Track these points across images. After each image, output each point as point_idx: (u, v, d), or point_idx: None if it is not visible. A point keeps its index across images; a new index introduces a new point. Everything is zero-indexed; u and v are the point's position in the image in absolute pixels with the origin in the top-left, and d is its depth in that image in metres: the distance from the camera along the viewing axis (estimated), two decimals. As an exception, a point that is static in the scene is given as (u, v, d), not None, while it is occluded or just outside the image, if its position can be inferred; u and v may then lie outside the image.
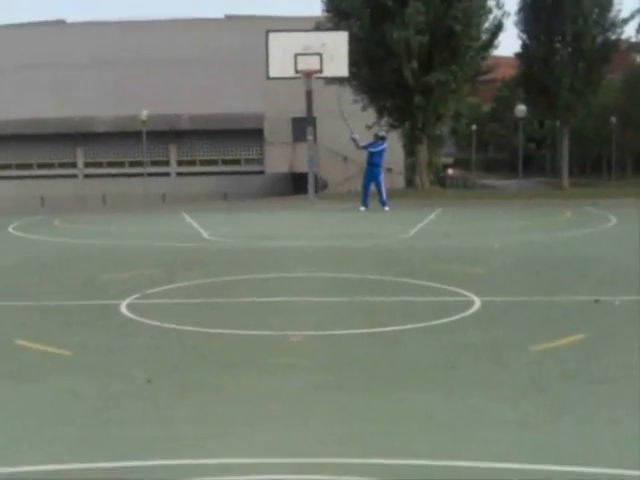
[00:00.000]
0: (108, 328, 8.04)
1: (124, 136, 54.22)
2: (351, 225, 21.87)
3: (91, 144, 56.27)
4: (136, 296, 9.60)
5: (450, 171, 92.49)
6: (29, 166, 56.12)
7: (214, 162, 56.30)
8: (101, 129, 55.18)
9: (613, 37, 44.23)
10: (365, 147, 26.83)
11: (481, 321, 8.11)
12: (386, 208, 25.90)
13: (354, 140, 26.99)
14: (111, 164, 56.20)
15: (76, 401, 5.49)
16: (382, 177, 26.80)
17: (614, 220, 21.24)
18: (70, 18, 58.82)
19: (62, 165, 56.48)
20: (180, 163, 56.73)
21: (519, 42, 45.18)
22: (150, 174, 50.82)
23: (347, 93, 39.80)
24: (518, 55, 46.12)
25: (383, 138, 27.36)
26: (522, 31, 44.54)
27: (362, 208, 26.14)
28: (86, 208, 35.86)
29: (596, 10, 43.08)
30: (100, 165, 56.36)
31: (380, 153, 26.54)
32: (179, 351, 6.94)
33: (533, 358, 6.51)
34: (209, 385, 5.85)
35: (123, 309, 8.81)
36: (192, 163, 56.53)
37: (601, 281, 10.89)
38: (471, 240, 16.70)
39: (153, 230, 21.14)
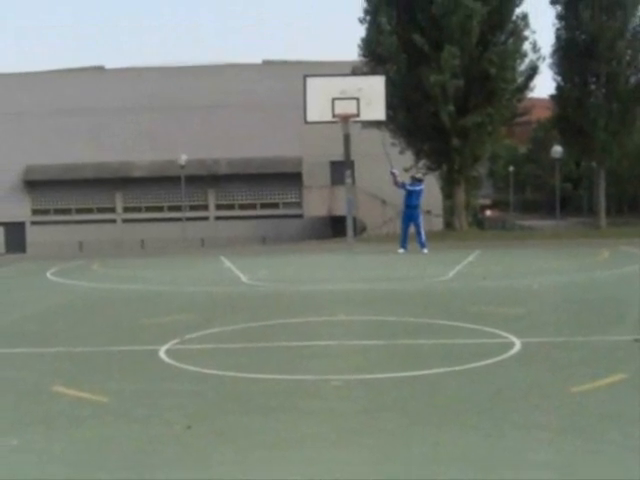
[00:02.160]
0: (146, 374, 8.07)
1: (162, 181, 54.69)
2: (390, 268, 21.84)
3: (129, 189, 56.73)
4: (175, 341, 9.64)
5: (488, 212, 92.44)
6: (68, 211, 56.67)
7: (252, 206, 56.52)
8: (139, 174, 55.66)
9: (646, 78, 44.25)
10: (403, 185, 26.80)
11: (521, 362, 8.07)
12: (425, 250, 25.87)
13: (393, 175, 26.97)
14: (149, 209, 56.58)
15: (113, 447, 5.51)
16: (421, 219, 26.80)
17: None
18: (109, 64, 59.33)
19: (101, 210, 56.96)
20: (218, 207, 56.98)
21: (554, 84, 45.25)
22: (189, 218, 51.14)
23: (385, 137, 40.01)
24: (553, 97, 46.20)
25: (420, 180, 27.38)
26: (556, 73, 44.71)
27: (401, 250, 26.12)
28: (125, 253, 36.09)
29: (629, 52, 43.18)
30: (138, 210, 56.77)
31: (417, 194, 26.52)
32: (218, 396, 6.95)
33: (573, 399, 6.46)
34: (248, 430, 5.85)
35: (162, 354, 8.83)
36: (231, 207, 56.77)
37: (637, 318, 10.81)
38: (510, 281, 16.64)
39: (192, 274, 21.24)
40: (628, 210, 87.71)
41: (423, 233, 26.57)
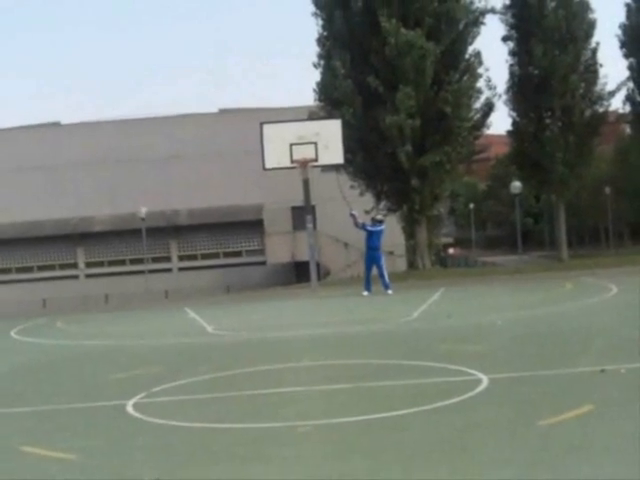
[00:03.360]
0: (114, 429, 8.00)
1: (123, 234, 54.50)
2: (355, 311, 21.84)
3: (91, 244, 56.46)
4: (141, 395, 9.57)
5: (451, 250, 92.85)
6: (29, 269, 56.28)
7: (215, 255, 56.41)
8: (100, 228, 55.45)
9: (601, 110, 44.79)
10: (363, 226, 26.81)
11: (489, 399, 8.09)
12: (389, 291, 25.86)
13: (353, 216, 27.00)
14: (112, 263, 56.32)
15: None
16: (383, 260, 26.81)
17: (615, 289, 21.26)
18: (64, 119, 59.33)
19: (63, 266, 56.61)
20: (181, 258, 56.83)
21: (510, 120, 45.65)
22: (151, 271, 50.96)
23: (344, 179, 40.13)
24: (509, 132, 46.57)
25: (380, 221, 27.45)
26: (512, 109, 45.08)
27: (365, 293, 26.10)
28: (89, 308, 35.84)
29: (583, 85, 43.70)
30: (101, 264, 56.50)
31: (378, 235, 26.55)
32: (187, 448, 6.91)
33: (541, 432, 6.48)
34: (218, 480, 5.81)
35: (129, 409, 8.77)
36: (193, 257, 56.64)
37: (606, 351, 10.87)
38: (475, 318, 16.69)
39: (156, 327, 21.14)
40: (589, 241, 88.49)
41: (386, 274, 26.55)
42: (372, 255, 26.55)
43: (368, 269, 26.81)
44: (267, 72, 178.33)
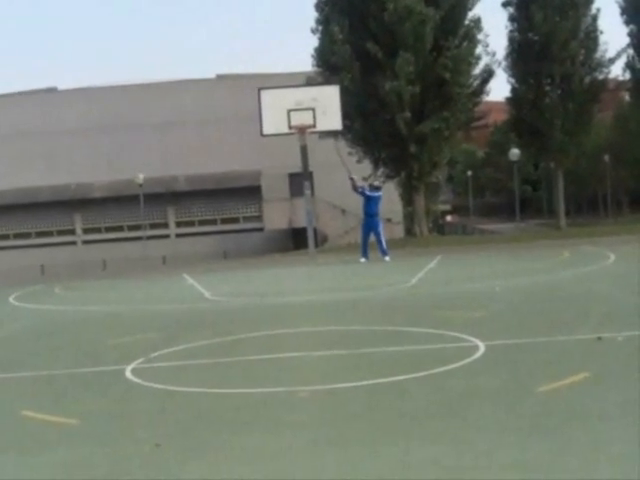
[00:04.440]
0: (113, 394, 8.03)
1: (121, 200, 54.52)
2: (352, 277, 21.88)
3: (88, 210, 56.48)
4: (140, 360, 9.60)
5: (448, 218, 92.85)
6: (27, 235, 56.34)
7: (213, 222, 56.46)
8: (98, 194, 55.44)
9: (601, 77, 44.65)
10: (362, 191, 26.74)
11: (486, 365, 8.12)
12: (387, 258, 25.89)
13: (352, 180, 26.95)
14: (109, 229, 56.39)
15: (84, 469, 5.48)
16: (381, 227, 26.79)
17: (613, 257, 21.29)
18: (61, 85, 59.20)
19: (60, 233, 56.67)
20: (179, 224, 56.88)
21: (509, 86, 45.50)
22: (149, 237, 51.01)
23: (342, 146, 40.10)
24: (508, 99, 46.43)
25: (378, 187, 27.45)
26: (511, 76, 44.92)
27: (362, 259, 26.13)
28: (86, 274, 35.88)
29: (582, 52, 43.52)
30: (98, 231, 56.55)
31: (376, 202, 26.50)
32: (186, 413, 6.93)
33: (538, 399, 6.51)
34: (217, 446, 5.84)
35: (128, 374, 8.80)
36: (191, 224, 56.69)
37: (603, 318, 10.89)
38: (472, 285, 16.73)
39: (155, 293, 21.18)
40: (588, 209, 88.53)
41: (384, 241, 26.56)
42: (370, 222, 26.54)
43: (365, 236, 26.80)
44: (265, 38, 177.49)
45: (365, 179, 39.57)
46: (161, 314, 15.29)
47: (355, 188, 26.87)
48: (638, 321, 10.26)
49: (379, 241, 26.44)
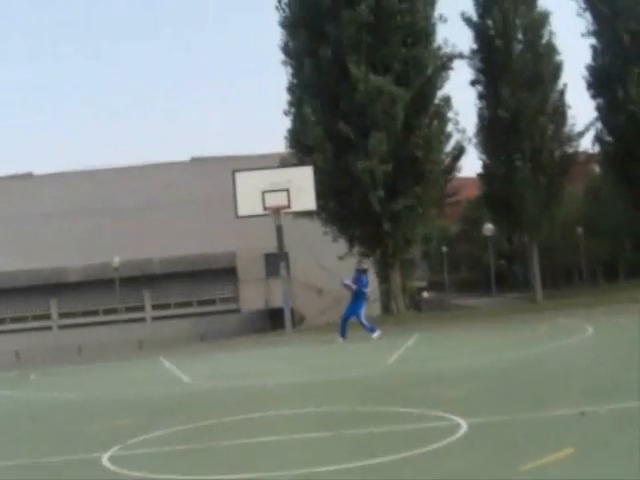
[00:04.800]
0: (91, 483, 7.89)
1: (97, 284, 54.32)
2: (331, 357, 21.76)
3: (64, 294, 56.21)
4: (118, 447, 9.45)
5: (425, 294, 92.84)
6: (2, 321, 55.94)
7: (189, 304, 56.30)
8: (73, 279, 55.22)
9: (570, 150, 45.11)
10: (361, 287, 26.44)
11: (469, 444, 8.03)
12: (374, 335, 25.60)
13: (346, 286, 26.65)
14: (85, 313, 56.10)
15: None
16: (363, 308, 26.47)
17: (590, 330, 21.28)
18: (37, 170, 59.25)
19: (36, 317, 56.35)
20: (155, 307, 56.66)
21: (480, 162, 45.85)
22: (125, 320, 50.74)
23: (317, 226, 40.22)
24: (480, 175, 46.79)
25: (365, 270, 27.30)
26: (482, 152, 45.28)
27: (340, 339, 25.92)
28: (62, 360, 35.53)
29: (551, 126, 44.00)
30: (74, 315, 56.23)
31: (365, 285, 26.39)
32: (165, 501, 6.81)
33: (523, 477, 6.43)
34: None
35: (105, 462, 8.65)
36: (167, 306, 56.49)
37: (585, 392, 10.84)
38: (451, 362, 16.64)
39: (131, 378, 20.97)
40: (563, 281, 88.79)
41: (362, 322, 26.23)
42: (358, 302, 26.21)
43: (349, 316, 26.44)
44: (238, 120, 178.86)
45: (340, 258, 39.72)
46: (138, 399, 15.11)
47: (351, 288, 26.52)
48: (619, 394, 10.21)
49: (361, 322, 26.14)
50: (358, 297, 26.25)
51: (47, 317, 56.55)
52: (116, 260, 50.11)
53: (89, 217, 55.06)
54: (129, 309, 54.66)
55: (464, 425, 8.88)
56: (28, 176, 58.73)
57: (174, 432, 10.52)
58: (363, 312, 26.26)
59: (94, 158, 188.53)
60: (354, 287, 26.28)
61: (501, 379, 13.31)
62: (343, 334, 26.13)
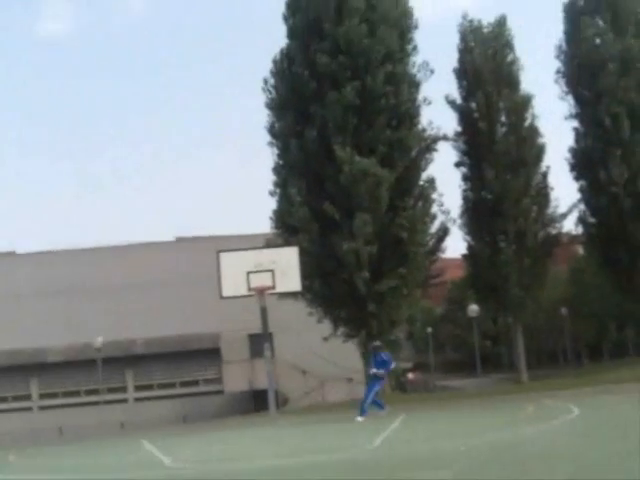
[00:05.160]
0: None
1: (78, 364, 53.92)
2: (315, 439, 21.54)
3: (45, 375, 55.75)
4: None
5: (410, 375, 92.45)
6: (-18, 404, 55.25)
7: (172, 385, 55.89)
8: (54, 359, 54.81)
9: (554, 232, 45.52)
10: (386, 368, 26.46)
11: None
12: (359, 418, 25.54)
13: (375, 375, 26.72)
14: (66, 394, 55.57)
15: None
16: (378, 387, 26.42)
17: (576, 411, 21.18)
18: (19, 249, 59.13)
19: (16, 398, 55.76)
20: (137, 388, 56.20)
21: (465, 244, 46.06)
22: (107, 402, 50.28)
23: (301, 306, 40.15)
24: (465, 256, 46.99)
25: (379, 347, 27.33)
26: (466, 233, 45.57)
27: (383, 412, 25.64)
28: (42, 441, 35.11)
29: (535, 208, 44.41)
30: (55, 396, 55.69)
31: (380, 364, 26.41)
32: None
33: None
34: None
35: None
36: (150, 387, 56.04)
37: (569, 474, 10.72)
38: (437, 444, 16.48)
39: (112, 461, 20.67)
40: (548, 362, 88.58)
41: (370, 400, 26.16)
42: (374, 382, 26.31)
43: (369, 397, 26.38)
44: (224, 200, 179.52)
45: (325, 339, 39.67)
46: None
47: (382, 374, 26.53)
48: (604, 475, 10.12)
49: (367, 397, 26.15)
50: (375, 376, 26.34)
51: (27, 397, 55.95)
52: (98, 340, 49.79)
53: (72, 296, 54.81)
54: (111, 390, 54.17)
55: (451, 510, 8.76)
56: (10, 254, 58.60)
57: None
58: (375, 391, 26.18)
59: (78, 237, 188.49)
60: (379, 371, 26.30)
61: (487, 461, 13.16)
62: (380, 406, 26.15)
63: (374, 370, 26.69)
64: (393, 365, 27.49)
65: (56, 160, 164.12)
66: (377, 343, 28.53)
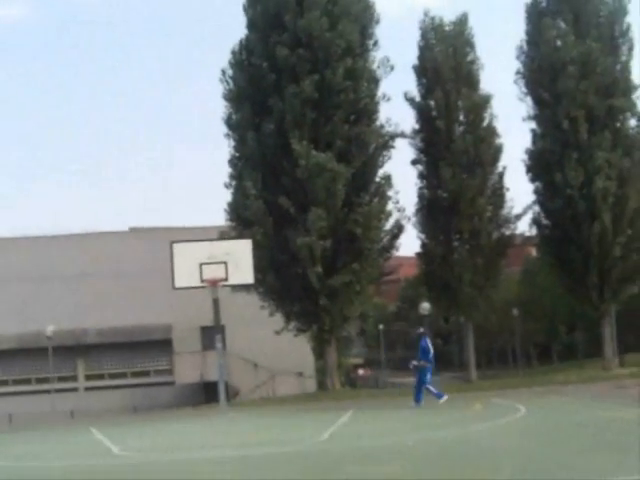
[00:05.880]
0: None
1: (30, 353, 53.37)
2: (264, 432, 21.59)
3: (-4, 362, 55.16)
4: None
5: (360, 371, 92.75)
6: None
7: (123, 375, 55.51)
8: (5, 346, 54.22)
9: (508, 233, 45.72)
10: (426, 357, 26.30)
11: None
12: (412, 404, 25.66)
13: (416, 366, 26.67)
14: (17, 382, 55.01)
15: None
16: (429, 374, 26.32)
17: (523, 410, 21.41)
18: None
19: (-34, 386, 55.15)
20: (88, 378, 55.78)
21: (419, 242, 46.13)
22: (57, 390, 49.86)
23: (254, 300, 40.09)
24: (418, 254, 47.06)
25: (423, 334, 27.23)
26: (421, 231, 45.61)
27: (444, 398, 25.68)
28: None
29: (490, 208, 44.52)
30: (5, 383, 55.13)
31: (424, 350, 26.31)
32: None
33: None
34: None
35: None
36: (100, 377, 55.66)
37: (514, 472, 10.86)
38: (384, 439, 16.60)
39: (60, 448, 20.62)
40: (498, 361, 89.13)
41: (424, 389, 26.13)
42: (422, 369, 26.19)
43: (420, 385, 26.35)
44: (178, 192, 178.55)
45: (277, 333, 39.70)
46: (66, 470, 14.84)
47: (427, 362, 26.34)
48: (547, 473, 10.27)
49: (419, 388, 26.14)
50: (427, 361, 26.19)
51: (-23, 385, 55.49)
52: (50, 329, 49.38)
53: (23, 284, 54.30)
54: (62, 378, 53.72)
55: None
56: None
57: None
58: (429, 378, 26.11)
59: (32, 225, 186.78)
60: (424, 364, 26.16)
61: (433, 457, 13.30)
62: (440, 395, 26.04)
63: (414, 363, 26.57)
64: (432, 353, 27.03)
65: (7, 145, 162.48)
66: (422, 329, 28.20)
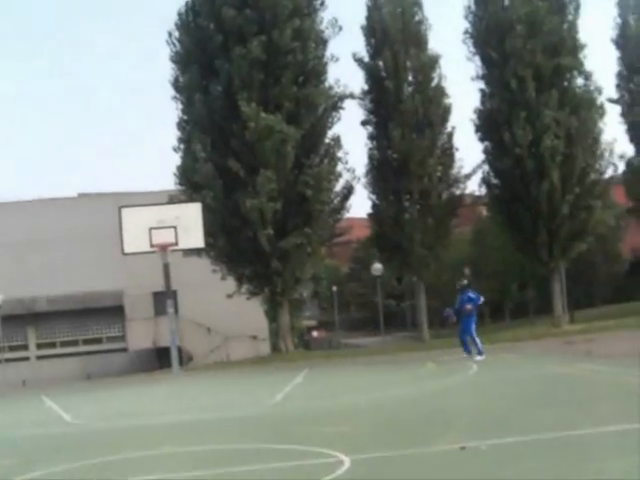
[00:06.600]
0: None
1: (-21, 322, 52.90)
2: (217, 396, 21.57)
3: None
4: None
5: (314, 333, 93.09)
6: None
7: (75, 342, 55.21)
8: (-47, 316, 53.73)
9: (458, 192, 45.87)
10: (474, 303, 25.93)
11: (351, 481, 8.00)
12: (464, 355, 25.42)
13: (449, 316, 26.56)
14: (-34, 352, 54.57)
15: None
16: (474, 325, 25.91)
17: (475, 367, 21.56)
18: None
19: None
20: (39, 346, 55.41)
21: (370, 203, 46.16)
22: (8, 359, 49.49)
23: (206, 263, 39.95)
24: (370, 215, 47.14)
25: (468, 285, 27.16)
26: (371, 192, 45.65)
27: (478, 357, 25.00)
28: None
29: (440, 168, 44.64)
30: (-45, 353, 54.66)
31: (472, 300, 25.98)
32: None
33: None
34: None
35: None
36: (52, 345, 55.30)
37: (466, 428, 10.92)
38: (337, 400, 16.63)
39: (11, 417, 20.46)
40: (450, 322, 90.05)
41: (478, 340, 25.67)
42: (468, 319, 25.77)
43: (465, 337, 26.01)
44: (127, 156, 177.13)
45: (229, 297, 39.59)
46: (17, 439, 14.71)
47: (464, 310, 25.86)
48: (500, 430, 10.33)
49: (474, 341, 25.69)
50: (467, 314, 25.82)
51: None
52: (-1, 297, 48.99)
53: (-28, 253, 53.80)
54: (12, 348, 53.37)
55: (347, 461, 8.84)
56: None
57: (54, 472, 10.24)
58: (474, 328, 25.81)
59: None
60: (471, 306, 25.77)
61: (385, 416, 13.34)
62: (469, 350, 25.65)
63: (468, 306, 25.73)
64: (481, 300, 26.74)
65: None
66: (465, 282, 27.86)
